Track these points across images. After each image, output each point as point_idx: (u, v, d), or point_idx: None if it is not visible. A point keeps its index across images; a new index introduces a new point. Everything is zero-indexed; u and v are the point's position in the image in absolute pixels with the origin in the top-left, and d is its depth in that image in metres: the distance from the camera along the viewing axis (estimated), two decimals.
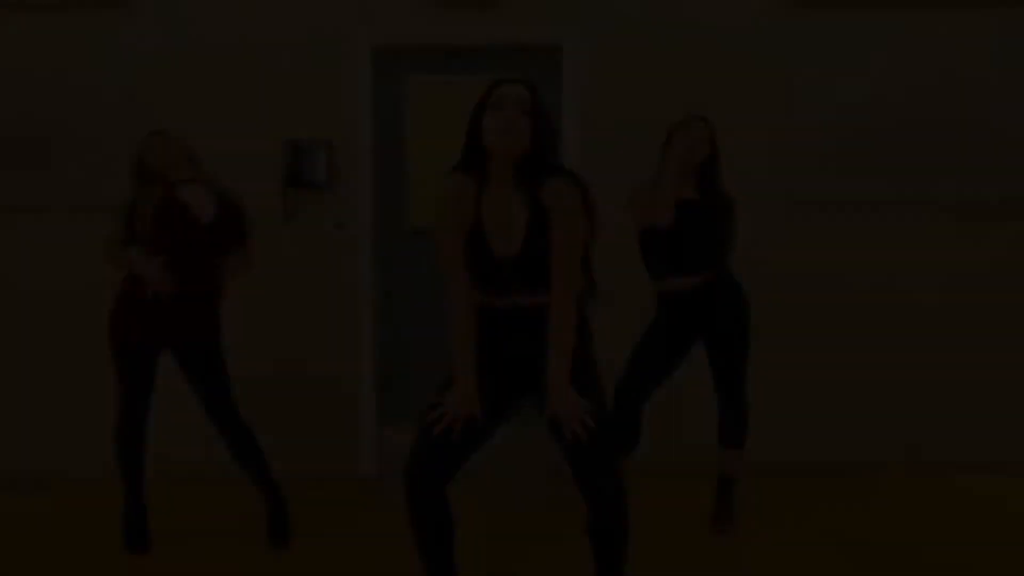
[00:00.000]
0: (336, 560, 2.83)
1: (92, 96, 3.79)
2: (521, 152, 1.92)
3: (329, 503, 3.44)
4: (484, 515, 3.18)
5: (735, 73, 3.78)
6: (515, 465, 3.83)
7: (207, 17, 3.80)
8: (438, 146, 3.60)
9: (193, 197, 2.90)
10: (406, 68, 3.93)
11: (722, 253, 3.02)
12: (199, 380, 2.92)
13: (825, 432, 3.84)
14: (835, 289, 3.83)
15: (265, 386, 3.69)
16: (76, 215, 3.77)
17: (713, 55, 3.77)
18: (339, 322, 3.85)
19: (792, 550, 2.89)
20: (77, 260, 3.70)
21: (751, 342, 3.05)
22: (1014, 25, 3.81)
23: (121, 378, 2.89)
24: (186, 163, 2.92)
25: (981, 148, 3.82)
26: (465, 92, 3.70)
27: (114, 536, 2.98)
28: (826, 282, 3.83)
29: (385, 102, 3.93)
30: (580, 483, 1.95)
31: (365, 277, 3.84)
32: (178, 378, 2.98)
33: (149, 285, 2.78)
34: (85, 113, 3.80)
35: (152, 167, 2.88)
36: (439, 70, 3.92)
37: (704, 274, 2.98)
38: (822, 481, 3.64)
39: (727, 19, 3.79)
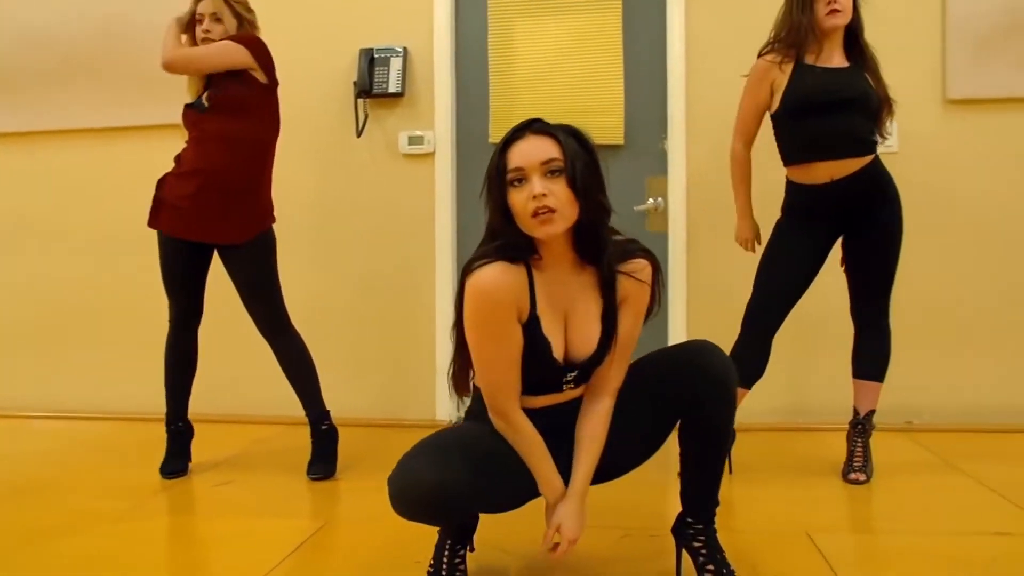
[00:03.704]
0: None
1: None
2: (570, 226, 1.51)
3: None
4: None
5: None
6: None
7: None
8: (520, 56, 3.36)
9: None
10: None
11: (878, 132, 2.54)
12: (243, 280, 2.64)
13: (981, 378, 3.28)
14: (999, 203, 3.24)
15: (339, 322, 3.49)
16: None
17: None
18: (416, 249, 3.48)
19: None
20: None
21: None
22: None
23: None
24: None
25: None
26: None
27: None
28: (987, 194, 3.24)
29: (465, 8, 3.49)
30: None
31: (442, 199, 3.45)
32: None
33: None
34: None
35: None
36: None
37: (864, 158, 2.48)
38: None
39: None
